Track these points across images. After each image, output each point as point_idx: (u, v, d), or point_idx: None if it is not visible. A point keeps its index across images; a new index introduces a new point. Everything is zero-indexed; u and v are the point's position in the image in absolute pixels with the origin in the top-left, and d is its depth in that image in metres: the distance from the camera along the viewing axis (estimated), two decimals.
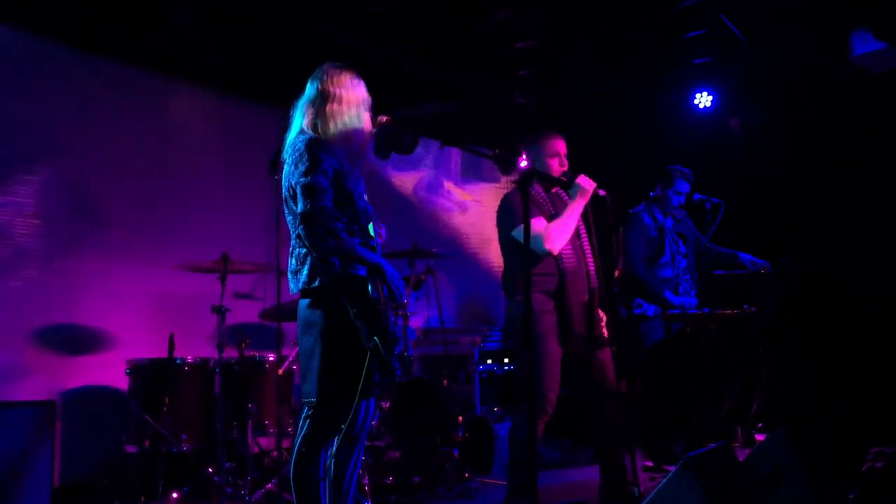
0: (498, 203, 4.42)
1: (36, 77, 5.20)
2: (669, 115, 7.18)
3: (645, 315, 5.40)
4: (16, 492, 3.71)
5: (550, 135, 4.36)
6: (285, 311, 4.59)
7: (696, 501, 2.76)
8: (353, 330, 3.12)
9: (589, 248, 4.32)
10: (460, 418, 5.71)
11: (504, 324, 4.47)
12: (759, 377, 5.67)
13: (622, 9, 5.80)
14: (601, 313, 4.29)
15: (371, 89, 3.40)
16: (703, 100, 6.85)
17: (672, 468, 2.98)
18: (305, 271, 3.19)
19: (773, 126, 6.76)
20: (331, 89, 3.27)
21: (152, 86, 5.88)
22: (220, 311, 4.81)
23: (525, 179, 3.51)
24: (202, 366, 4.92)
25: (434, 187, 8.14)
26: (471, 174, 8.41)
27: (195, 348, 5.18)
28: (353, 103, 3.29)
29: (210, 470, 4.70)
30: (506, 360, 6.71)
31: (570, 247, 4.19)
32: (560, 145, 4.34)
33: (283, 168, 3.27)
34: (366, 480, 4.59)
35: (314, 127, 3.25)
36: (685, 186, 5.51)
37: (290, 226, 3.24)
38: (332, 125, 3.24)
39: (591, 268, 4.28)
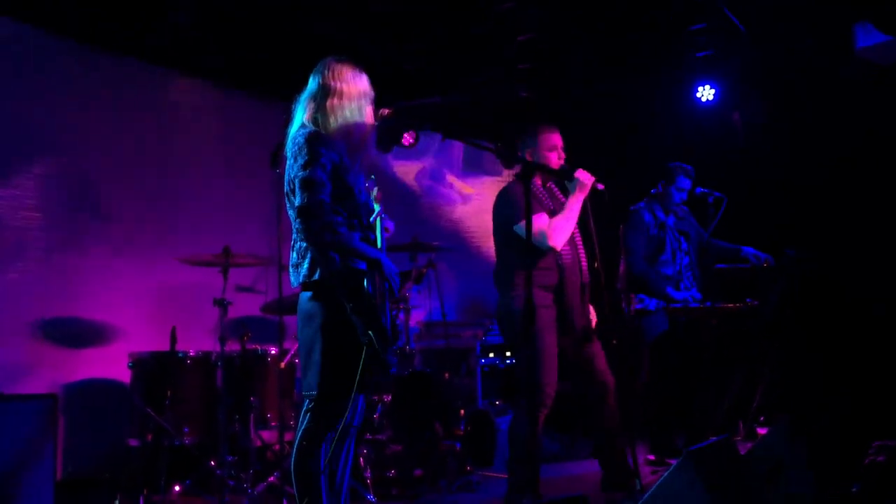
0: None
1: (37, 71, 5.19)
2: (671, 108, 7.16)
3: (647, 309, 5.39)
4: (18, 485, 3.71)
5: (546, 128, 4.36)
6: (287, 305, 4.59)
7: (698, 495, 2.76)
8: (350, 324, 3.13)
9: (581, 242, 4.33)
10: (462, 412, 5.72)
11: (498, 318, 4.43)
12: (761, 371, 5.67)
13: (624, 2, 5.79)
14: (591, 307, 4.37)
15: (371, 81, 3.40)
16: (706, 93, 6.84)
17: (674, 462, 2.98)
18: (306, 265, 3.20)
19: (776, 120, 6.75)
20: (331, 83, 3.28)
21: (154, 79, 5.87)
22: (221, 304, 4.81)
23: (526, 172, 3.50)
24: (204, 359, 4.93)
25: (436, 176, 8.13)
26: (472, 167, 8.41)
27: (197, 342, 5.18)
28: (353, 97, 3.29)
29: (212, 463, 4.71)
30: (507, 354, 6.71)
31: (566, 242, 4.20)
32: (556, 138, 4.35)
33: (284, 162, 3.28)
34: (367, 474, 4.60)
35: (315, 121, 3.26)
36: (687, 183, 5.50)
37: (291, 219, 3.24)
38: (332, 119, 3.25)
39: (584, 263, 4.32)
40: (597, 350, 4.33)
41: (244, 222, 5.95)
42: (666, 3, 5.81)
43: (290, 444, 3.32)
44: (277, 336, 4.95)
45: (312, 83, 3.33)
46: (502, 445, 5.60)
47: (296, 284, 3.28)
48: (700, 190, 5.36)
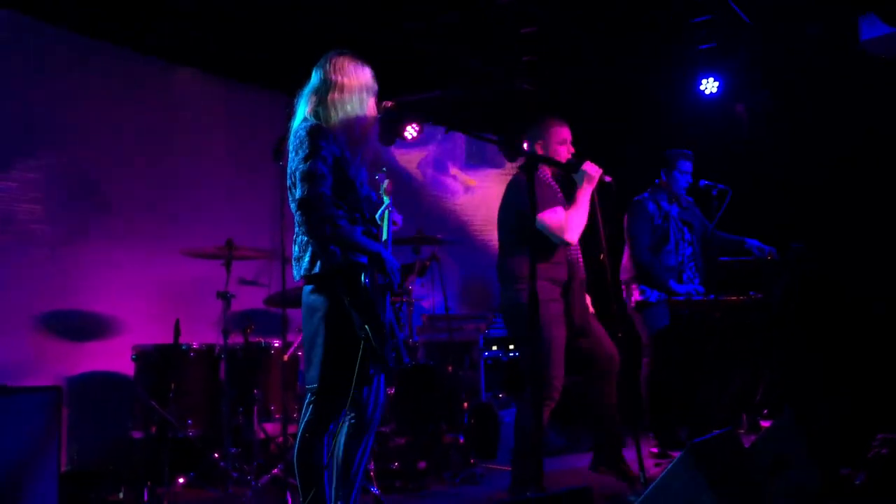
0: (502, 188, 4.43)
1: (39, 63, 5.19)
2: (675, 101, 7.14)
3: (648, 301, 5.39)
4: (23, 478, 3.72)
5: (556, 122, 4.39)
6: (290, 298, 4.59)
7: (701, 488, 2.76)
8: (350, 318, 3.13)
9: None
10: (465, 404, 5.72)
11: (503, 311, 4.43)
12: (764, 364, 5.66)
13: None
14: (587, 298, 4.44)
15: (375, 74, 3.40)
16: (709, 86, 6.82)
17: (677, 454, 2.98)
18: (307, 258, 3.21)
19: (780, 112, 6.73)
20: (333, 77, 3.29)
21: (157, 72, 5.86)
22: (225, 297, 4.82)
23: (531, 165, 3.49)
24: (208, 352, 4.94)
25: (439, 165, 8.10)
26: (476, 160, 8.39)
27: (200, 334, 5.19)
28: (355, 91, 3.30)
29: (216, 455, 4.72)
30: (510, 347, 6.71)
31: None
32: (567, 132, 4.38)
33: (287, 155, 3.28)
34: (371, 466, 4.60)
35: (316, 115, 3.28)
36: (688, 165, 5.50)
37: (293, 213, 3.25)
38: (333, 113, 3.26)
39: (581, 256, 4.35)
40: (601, 333, 4.39)
41: (247, 215, 5.95)
42: None
43: (294, 436, 3.32)
44: (281, 329, 4.95)
45: (315, 77, 3.35)
46: (505, 438, 5.61)
47: (297, 278, 3.29)
48: (704, 182, 5.34)
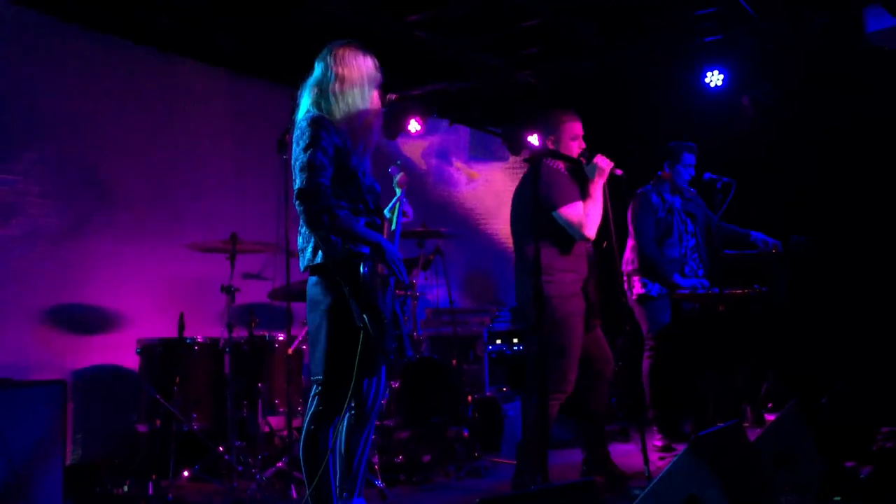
0: (506, 181, 4.43)
1: (45, 57, 5.19)
2: (680, 94, 7.12)
3: (649, 295, 5.38)
4: (28, 471, 3.73)
5: (568, 117, 4.39)
6: (294, 291, 4.59)
7: (706, 481, 2.76)
8: (351, 308, 3.14)
9: None
10: (470, 398, 5.73)
11: (522, 303, 4.41)
12: (769, 357, 5.65)
13: None
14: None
15: (381, 65, 3.40)
16: (715, 78, 6.79)
17: (682, 447, 2.97)
18: (310, 249, 3.23)
19: (786, 105, 6.71)
20: (334, 69, 3.30)
21: (162, 64, 5.85)
22: (229, 290, 4.82)
23: (535, 159, 3.49)
24: (212, 345, 4.94)
25: (443, 155, 8.09)
26: (479, 152, 8.37)
27: (205, 328, 5.20)
28: (356, 83, 3.31)
29: (221, 449, 4.73)
30: (515, 341, 6.71)
31: None
32: (579, 127, 4.39)
33: (291, 148, 3.29)
34: (375, 459, 4.61)
35: (318, 106, 3.29)
36: (692, 159, 5.50)
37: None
38: (335, 105, 3.27)
39: (592, 249, 4.36)
40: (600, 334, 4.42)
41: (252, 209, 5.95)
42: None
43: (298, 430, 3.33)
44: (285, 322, 4.96)
45: (317, 69, 3.36)
46: (510, 431, 5.61)
47: (302, 268, 3.30)
48: (708, 175, 5.33)
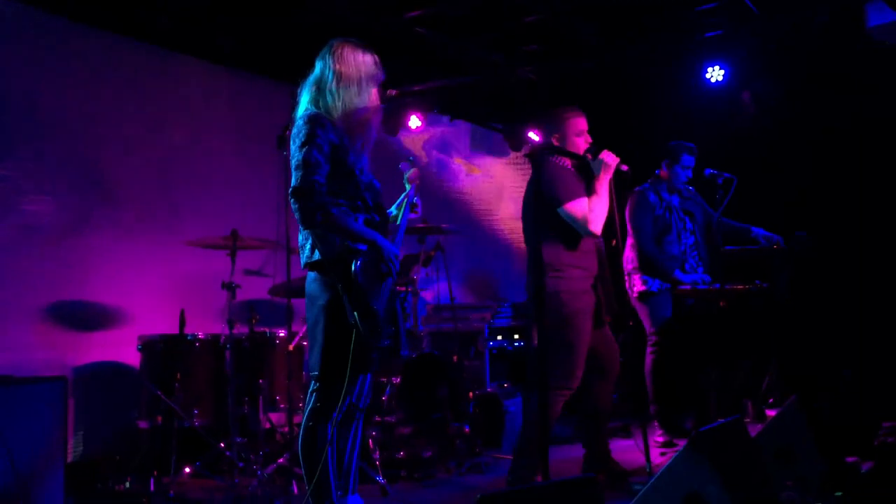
0: (507, 177, 4.43)
1: (46, 53, 5.18)
2: (680, 89, 7.11)
3: (650, 291, 5.38)
4: (29, 468, 3.73)
5: (574, 113, 4.38)
6: (295, 288, 4.59)
7: (706, 476, 2.75)
8: (345, 305, 3.15)
9: None
10: (471, 394, 5.73)
11: (531, 300, 4.41)
12: (770, 353, 5.65)
13: None
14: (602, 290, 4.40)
15: (381, 61, 3.41)
16: (715, 74, 6.78)
17: (683, 443, 2.97)
18: (308, 246, 3.24)
19: (786, 100, 6.69)
20: (333, 67, 3.32)
21: (161, 61, 5.85)
22: (230, 287, 4.82)
23: (536, 156, 3.49)
24: (213, 342, 4.94)
25: (444, 148, 8.08)
26: (480, 148, 8.36)
27: (206, 324, 5.20)
28: (354, 80, 3.31)
29: (222, 445, 4.73)
30: (516, 337, 6.71)
31: None
32: (583, 122, 4.38)
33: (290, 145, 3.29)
34: (376, 455, 4.61)
35: (316, 104, 3.31)
36: (691, 160, 5.49)
37: None
38: (332, 102, 3.29)
39: (603, 245, 4.35)
40: (609, 331, 4.39)
41: (252, 205, 5.95)
42: None
43: (300, 426, 3.34)
44: (286, 319, 4.96)
45: (317, 66, 3.38)
46: (511, 427, 5.61)
47: (302, 266, 3.32)
48: (709, 171, 5.32)
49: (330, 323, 3.19)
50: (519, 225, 4.59)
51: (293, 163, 3.16)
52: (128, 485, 4.54)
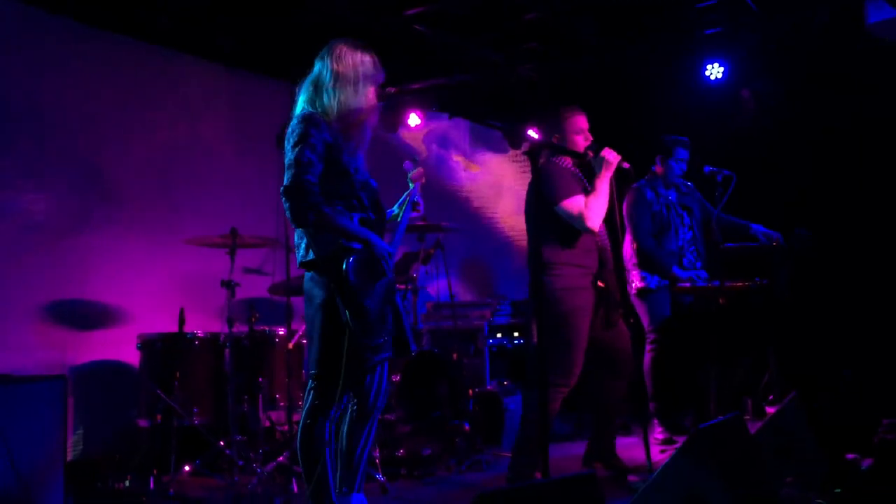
0: (506, 174, 4.43)
1: (46, 54, 5.18)
2: (680, 86, 7.10)
3: (649, 288, 5.38)
4: (29, 466, 3.73)
5: (573, 111, 4.38)
6: (294, 286, 4.59)
7: (706, 473, 2.75)
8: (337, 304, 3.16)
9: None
10: (470, 392, 5.73)
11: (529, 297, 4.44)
12: (769, 349, 5.65)
13: None
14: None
15: (379, 61, 3.41)
16: (715, 71, 6.78)
17: (683, 440, 2.97)
18: (303, 245, 3.25)
19: (786, 97, 6.69)
20: (331, 67, 3.33)
21: (161, 60, 5.85)
22: (229, 285, 4.82)
23: (535, 154, 3.49)
24: (212, 340, 4.95)
25: (444, 143, 8.07)
26: (479, 146, 8.36)
27: (205, 323, 5.20)
28: (350, 80, 3.32)
29: (221, 443, 4.73)
30: (515, 334, 6.71)
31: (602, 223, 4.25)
32: (583, 121, 4.38)
33: None
34: (377, 453, 4.61)
35: (313, 104, 3.31)
36: (685, 153, 5.50)
37: None
38: (329, 103, 3.29)
39: (608, 243, 4.34)
40: (624, 328, 4.38)
41: (251, 204, 5.95)
42: None
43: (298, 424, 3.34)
44: (285, 317, 4.96)
45: (316, 66, 3.38)
46: (511, 425, 5.61)
47: (298, 265, 3.34)
48: (708, 168, 5.32)
49: (326, 321, 3.20)
50: (518, 222, 4.61)
51: (286, 162, 3.17)
52: (127, 483, 4.54)
